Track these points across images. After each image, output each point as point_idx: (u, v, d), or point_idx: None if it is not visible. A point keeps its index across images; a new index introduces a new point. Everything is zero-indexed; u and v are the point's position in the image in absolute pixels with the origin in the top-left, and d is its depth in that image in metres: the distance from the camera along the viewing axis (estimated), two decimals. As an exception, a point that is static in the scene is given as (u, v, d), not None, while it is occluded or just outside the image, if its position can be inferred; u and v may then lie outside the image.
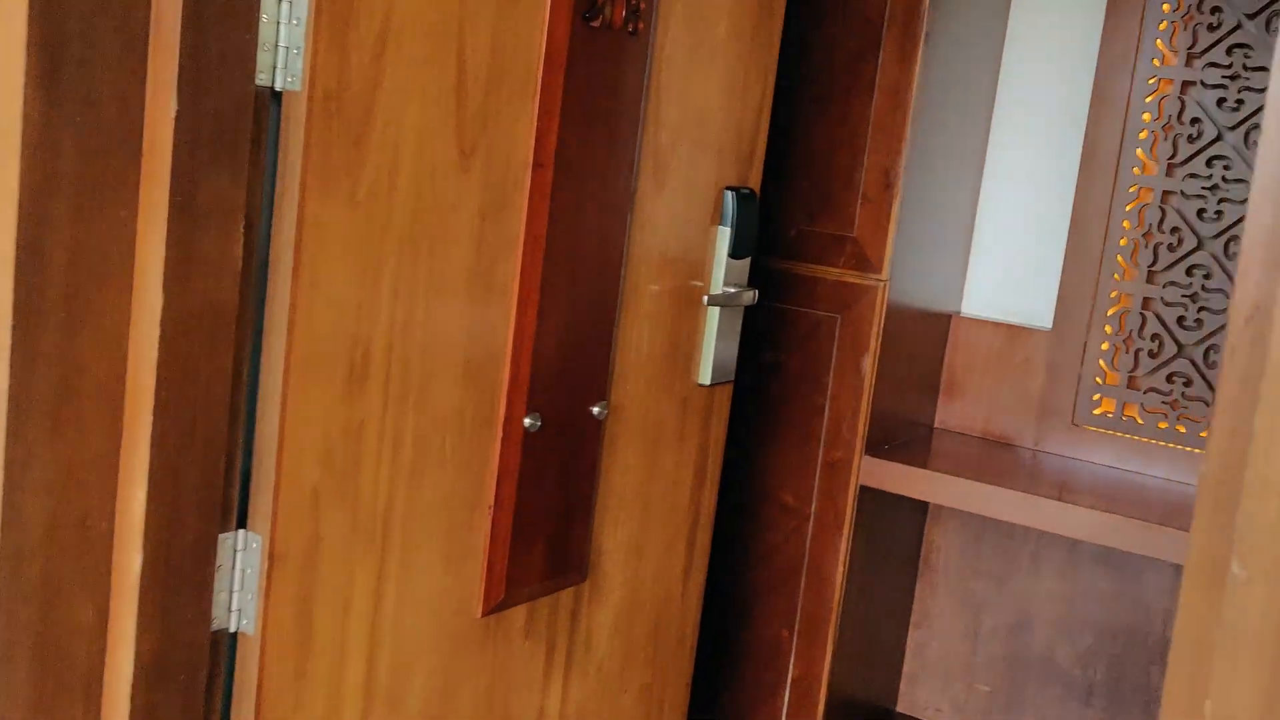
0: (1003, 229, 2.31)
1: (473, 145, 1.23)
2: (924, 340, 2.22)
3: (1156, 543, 1.86)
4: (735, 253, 1.61)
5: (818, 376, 2.04)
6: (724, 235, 1.60)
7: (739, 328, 1.71)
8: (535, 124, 1.29)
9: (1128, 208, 2.15)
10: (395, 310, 1.20)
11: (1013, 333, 2.27)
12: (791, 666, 2.13)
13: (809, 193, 2.02)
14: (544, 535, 1.44)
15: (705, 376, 1.64)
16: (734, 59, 1.58)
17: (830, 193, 2.01)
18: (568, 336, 1.40)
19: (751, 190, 1.64)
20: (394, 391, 1.22)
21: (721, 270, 1.61)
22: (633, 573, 1.64)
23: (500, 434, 1.36)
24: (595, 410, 1.45)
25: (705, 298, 1.59)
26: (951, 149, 2.16)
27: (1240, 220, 2.06)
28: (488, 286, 1.30)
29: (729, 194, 1.61)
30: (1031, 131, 2.26)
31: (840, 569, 2.06)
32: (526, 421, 1.36)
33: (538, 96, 1.29)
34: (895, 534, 2.28)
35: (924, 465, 2.05)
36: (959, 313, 2.34)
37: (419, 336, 1.23)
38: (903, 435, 2.19)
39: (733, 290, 1.61)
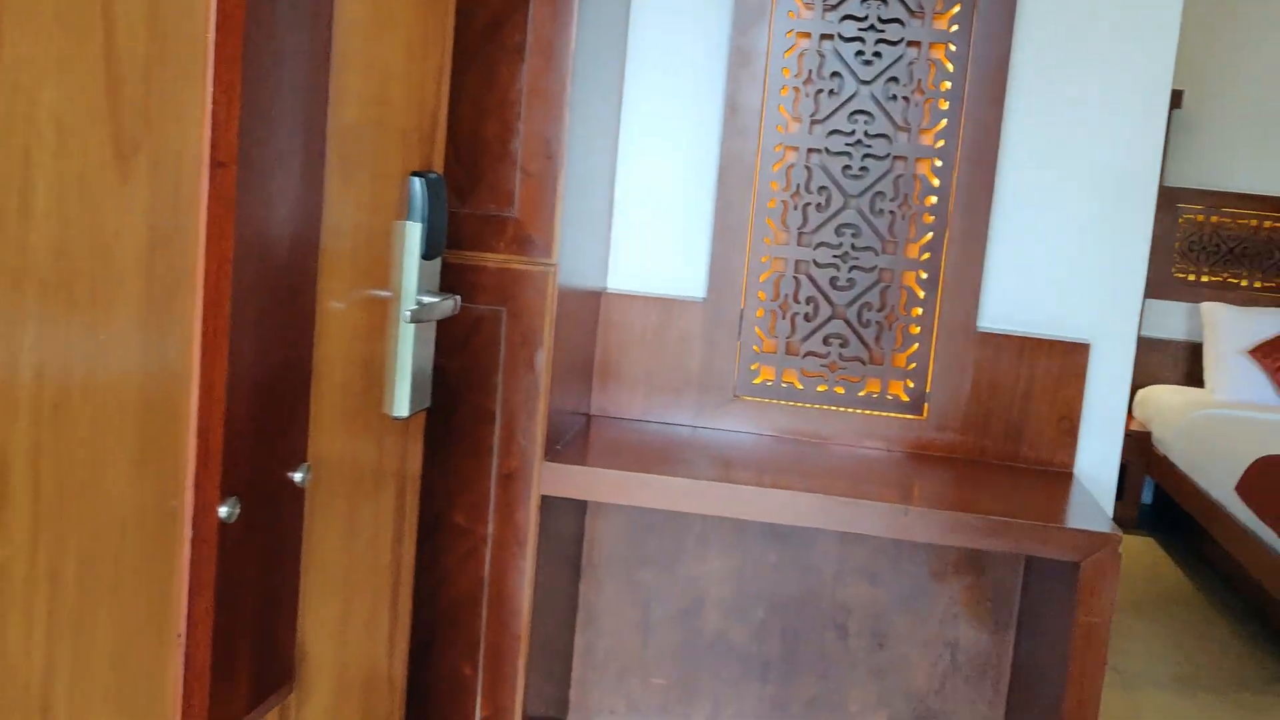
0: (646, 197, 2.16)
1: (134, 143, 0.86)
2: (581, 324, 2.03)
3: (827, 513, 1.81)
4: (428, 252, 1.32)
5: (486, 379, 1.79)
6: (414, 232, 1.31)
7: (434, 341, 1.42)
8: (210, 107, 0.93)
9: (774, 168, 2.08)
10: (41, 395, 0.81)
11: (666, 306, 2.14)
12: (479, 707, 1.88)
13: (457, 169, 1.75)
14: (248, 652, 1.10)
15: (402, 407, 1.34)
16: (413, 17, 1.28)
17: (483, 168, 1.75)
18: (264, 387, 1.05)
19: (439, 175, 1.35)
20: (46, 509, 0.84)
21: (414, 276, 1.32)
22: (338, 660, 1.33)
23: (189, 533, 1.00)
24: (297, 477, 1.12)
25: (406, 313, 1.29)
26: (599, 114, 1.97)
27: (885, 176, 2.06)
28: (162, 337, 0.93)
29: (417, 181, 1.32)
30: (669, 91, 2.13)
31: (526, 592, 1.84)
32: (222, 511, 1.01)
33: (211, 69, 0.93)
34: (562, 537, 2.09)
35: (584, 461, 1.87)
36: (607, 289, 2.18)
37: (78, 423, 0.85)
38: (569, 431, 2.00)
39: (431, 300, 1.32)
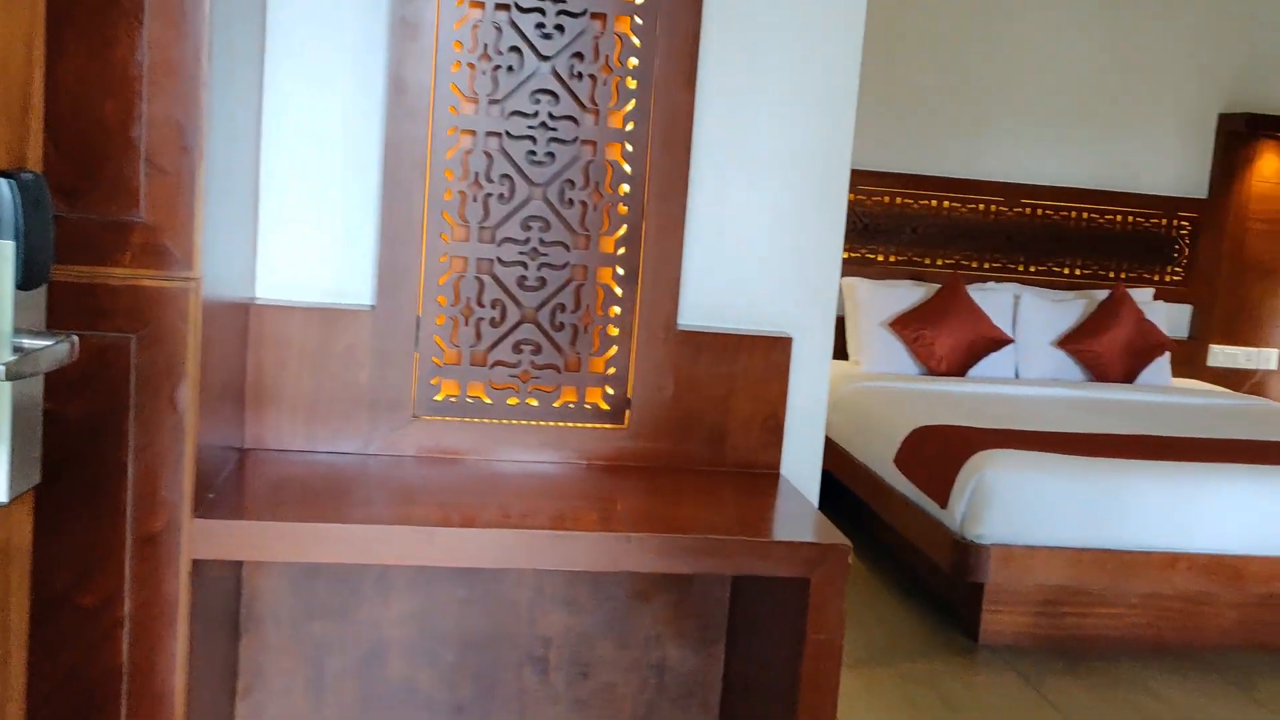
0: (297, 190, 1.87)
1: None
2: (229, 344, 1.72)
3: (536, 551, 1.61)
4: (27, 279, 1.00)
5: (114, 425, 1.45)
6: (4, 254, 0.98)
7: (41, 394, 1.09)
8: None
9: (448, 155, 1.84)
10: None
11: (328, 317, 1.86)
12: (125, 821, 1.55)
13: (61, 163, 1.40)
14: None
15: (1, 490, 1.01)
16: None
17: (97, 161, 1.41)
18: None
19: (37, 174, 1.03)
20: None
21: (7, 313, 0.99)
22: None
23: None
24: None
25: None
26: (239, 93, 1.66)
27: (574, 162, 1.87)
28: None
29: (3, 184, 0.99)
30: (321, 67, 1.84)
31: (179, 677, 1.53)
32: None
33: None
34: (217, 597, 1.77)
35: (242, 513, 1.58)
36: (255, 300, 1.86)
37: None
38: (220, 473, 1.68)
39: (37, 344, 1.00)
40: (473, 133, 1.85)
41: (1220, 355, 5.95)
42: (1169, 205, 5.81)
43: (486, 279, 1.89)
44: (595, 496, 1.82)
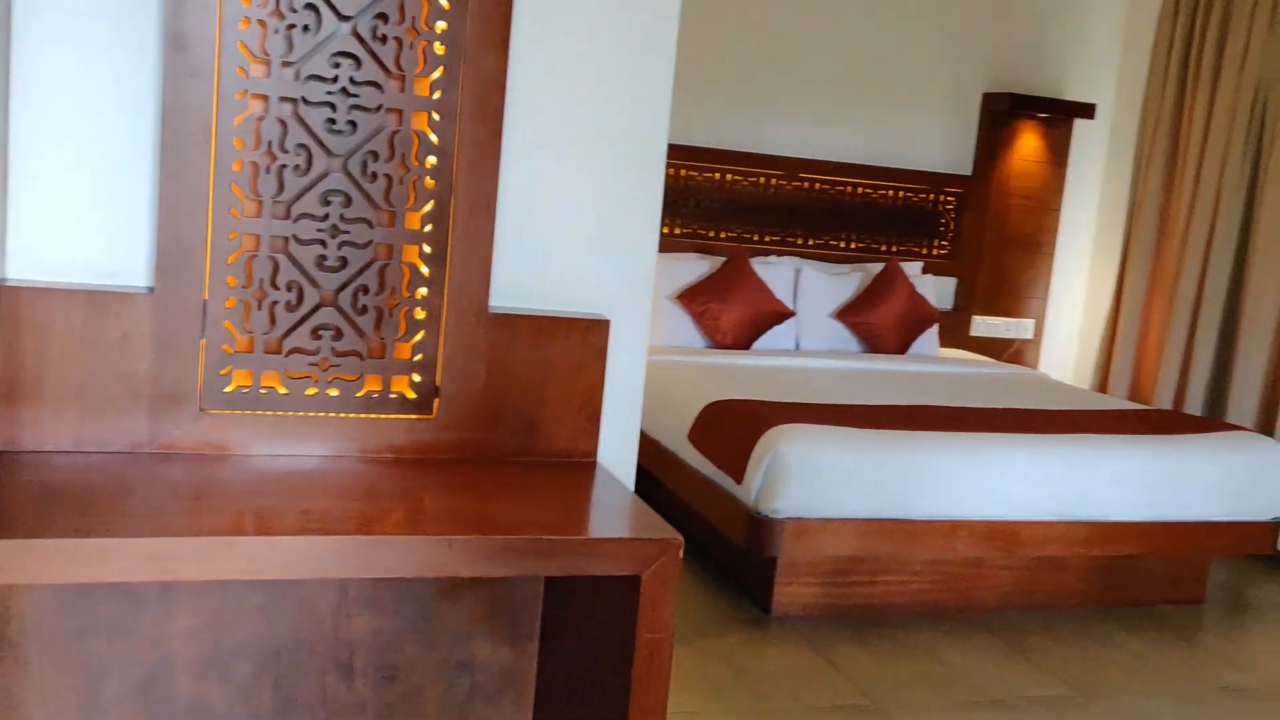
0: (55, 157, 1.65)
1: None
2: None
3: (348, 558, 1.49)
4: None
5: None
6: None
7: None
8: None
9: (237, 121, 1.67)
10: None
11: (97, 300, 1.66)
12: None
13: None
14: None
15: None
16: None
17: None
18: None
19: None
20: None
21: None
22: None
23: None
24: None
25: None
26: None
27: (379, 132, 1.72)
28: None
29: None
30: (82, 16, 1.63)
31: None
32: None
33: None
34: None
35: None
36: (6, 281, 1.65)
37: None
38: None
39: None
40: (265, 98, 1.68)
41: (982, 325, 6.24)
42: (936, 181, 6.03)
43: (281, 258, 1.72)
44: (405, 494, 1.70)
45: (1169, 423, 4.34)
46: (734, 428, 3.74)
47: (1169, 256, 5.67)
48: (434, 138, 1.75)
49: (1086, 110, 6.06)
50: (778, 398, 4.09)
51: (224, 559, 1.42)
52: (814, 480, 3.52)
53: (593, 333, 1.89)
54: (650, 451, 4.38)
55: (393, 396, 1.81)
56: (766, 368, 4.82)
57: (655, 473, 4.33)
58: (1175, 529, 4.02)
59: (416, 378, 1.81)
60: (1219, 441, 4.17)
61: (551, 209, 1.88)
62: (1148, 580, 4.28)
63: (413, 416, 1.82)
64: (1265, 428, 5.03)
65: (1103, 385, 6.00)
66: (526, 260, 1.88)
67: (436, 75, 1.74)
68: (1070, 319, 6.54)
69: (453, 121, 1.75)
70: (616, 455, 1.97)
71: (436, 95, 1.74)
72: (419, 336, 1.80)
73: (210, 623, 1.84)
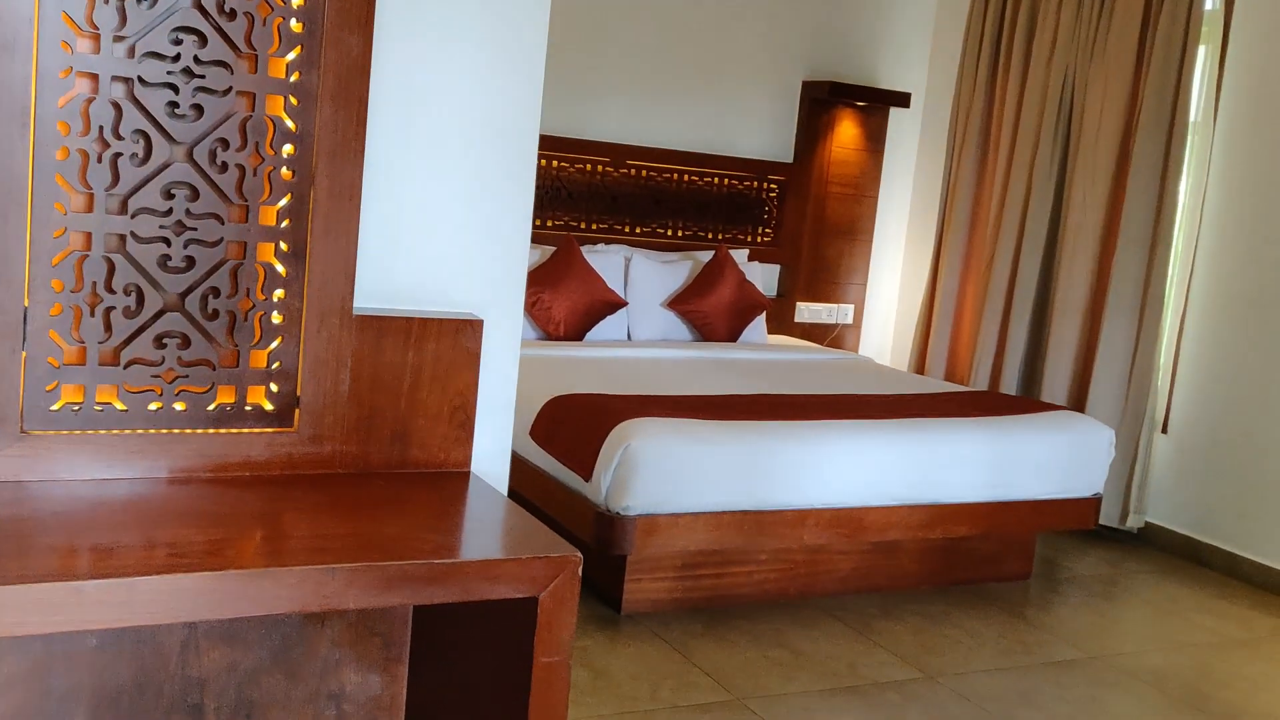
0: None
1: None
2: None
3: (211, 597, 1.34)
4: None
5: None
6: None
7: None
8: None
9: (61, 103, 1.48)
10: None
11: (-100, 310, 1.44)
12: None
13: None
14: None
15: None
16: None
17: None
18: None
19: None
20: None
21: None
22: None
23: None
24: None
25: None
26: None
27: (229, 118, 1.56)
28: None
29: None
30: (-125, -22, 1.41)
31: None
32: None
33: None
34: None
35: None
36: None
37: None
38: None
39: None
40: (94, 76, 1.49)
41: (806, 311, 6.32)
42: (760, 169, 6.06)
43: (118, 258, 1.54)
44: (268, 517, 1.54)
45: (998, 404, 4.46)
46: (579, 424, 3.65)
47: (982, 242, 5.86)
48: (291, 124, 1.60)
49: (902, 99, 6.20)
50: (618, 390, 4.02)
51: (58, 609, 1.24)
52: (665, 475, 3.46)
53: (464, 334, 1.77)
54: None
55: (248, 409, 1.64)
56: (603, 359, 4.74)
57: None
58: (1008, 508, 4.13)
59: (274, 387, 1.66)
60: (1045, 421, 4.31)
61: (420, 202, 1.74)
62: (978, 559, 4.39)
63: (271, 430, 1.66)
64: (1077, 406, 5.25)
65: (920, 367, 6.16)
66: (393, 257, 1.74)
67: (293, 56, 1.58)
68: (887, 304, 6.70)
69: (312, 106, 1.60)
70: (491, 464, 1.85)
71: (293, 78, 1.59)
72: (276, 343, 1.65)
73: (36, 670, 1.64)
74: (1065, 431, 4.28)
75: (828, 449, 3.75)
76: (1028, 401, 4.64)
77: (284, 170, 1.60)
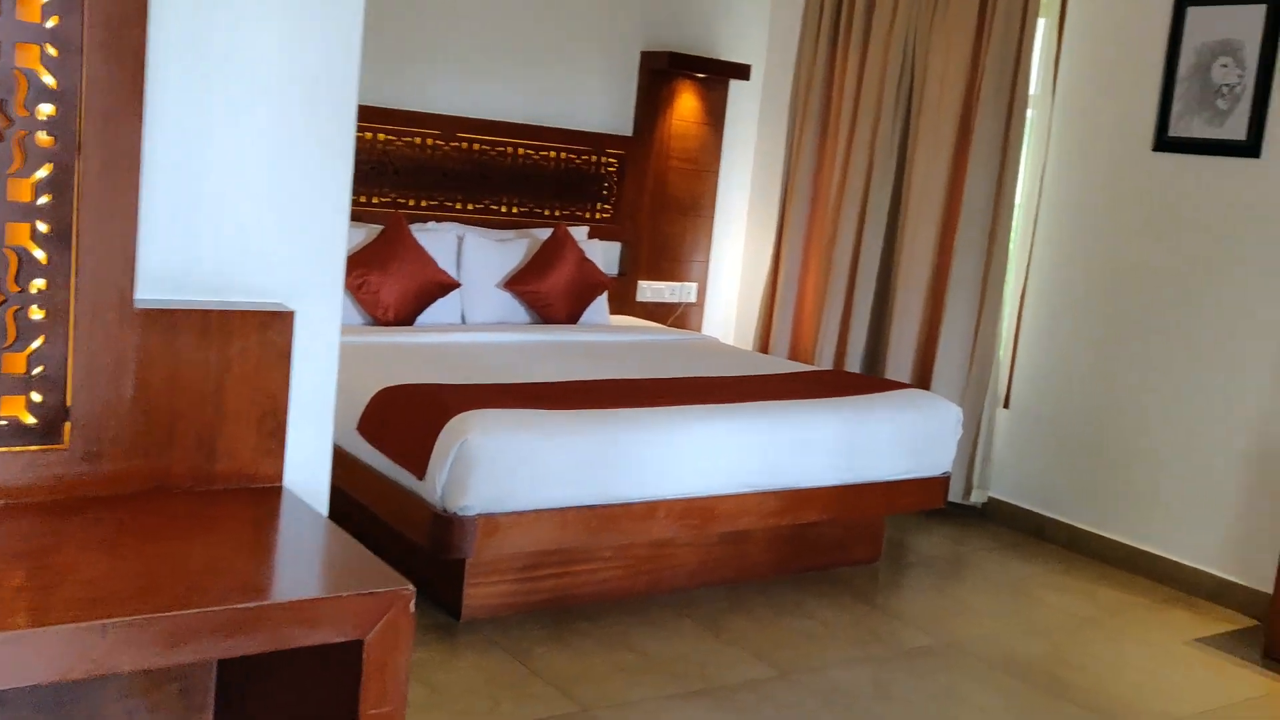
0: None
1: None
2: None
3: None
4: None
5: None
6: None
7: None
8: None
9: None
10: None
11: None
12: None
13: None
14: None
15: None
16: None
17: None
18: None
19: None
20: None
21: None
22: None
23: None
24: None
25: None
26: None
27: (-32, 70, 1.29)
28: None
29: None
30: None
31: None
32: None
33: None
34: None
35: None
36: None
37: None
38: None
39: None
40: None
41: (648, 291, 6.18)
42: (598, 142, 5.88)
43: None
44: (30, 556, 1.29)
45: (846, 384, 4.39)
46: (412, 417, 3.41)
47: (824, 218, 5.81)
48: (49, 79, 1.33)
49: (742, 71, 6.09)
50: (453, 378, 3.79)
51: None
52: (505, 471, 3.25)
53: (272, 328, 1.54)
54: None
55: (3, 424, 1.38)
56: (436, 344, 4.50)
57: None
58: (860, 491, 4.06)
59: (37, 397, 1.40)
60: (894, 400, 4.25)
61: (215, 173, 1.50)
62: (827, 544, 4.32)
63: (35, 448, 1.40)
64: (922, 384, 5.24)
65: (764, 346, 6.09)
66: (184, 238, 1.49)
67: (49, -5, 1.32)
68: (730, 281, 6.61)
69: (76, 59, 1.34)
70: (309, 476, 1.63)
71: (51, 23, 1.32)
72: (37, 343, 1.39)
73: None
74: (913, 410, 4.23)
75: (676, 436, 3.60)
76: (875, 381, 4.58)
77: (41, 135, 1.34)
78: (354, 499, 3.59)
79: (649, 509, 3.55)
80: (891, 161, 5.47)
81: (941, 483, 4.31)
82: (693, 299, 6.37)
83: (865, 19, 5.61)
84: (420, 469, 3.28)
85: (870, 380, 4.58)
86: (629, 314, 6.06)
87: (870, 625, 3.89)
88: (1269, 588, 4.09)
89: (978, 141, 5.04)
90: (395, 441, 3.42)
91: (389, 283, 4.73)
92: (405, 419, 3.43)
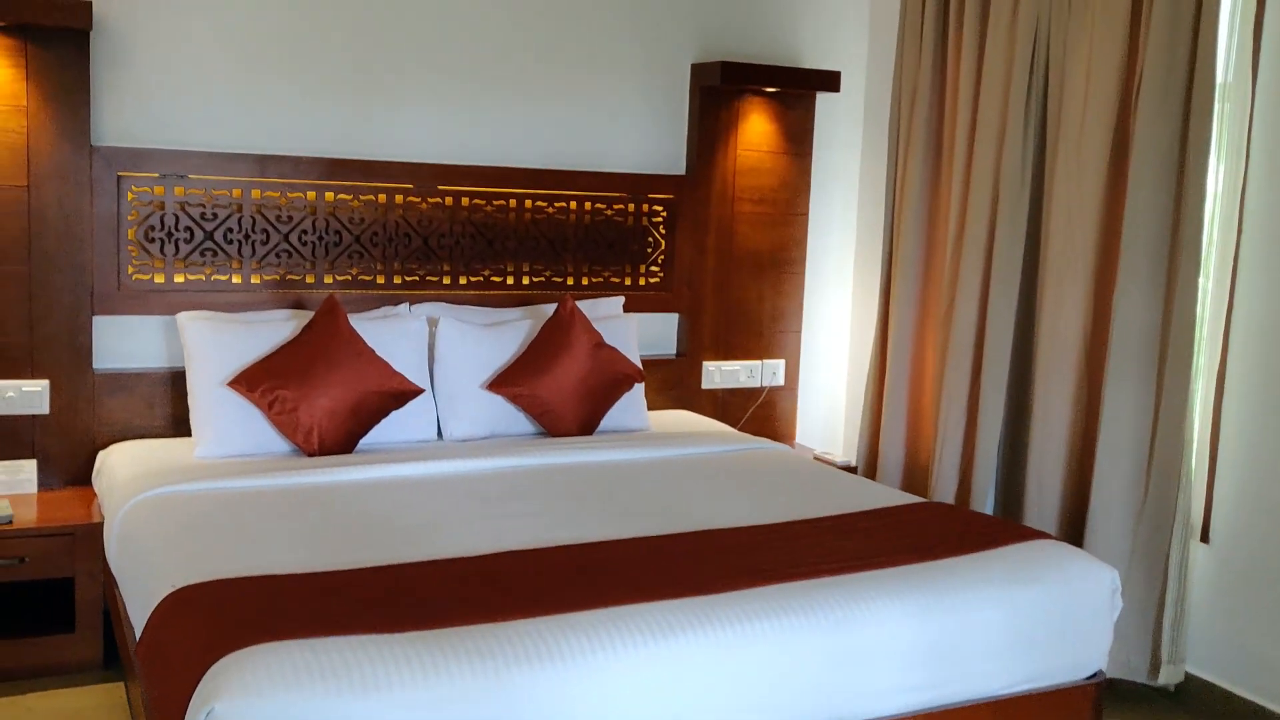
0: None
1: None
2: None
3: None
4: None
5: None
6: None
7: None
8: None
9: None
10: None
11: None
12: None
13: None
14: None
15: None
16: None
17: None
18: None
19: None
20: None
21: None
22: None
23: None
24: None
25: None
26: None
27: None
28: None
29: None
30: None
31: None
32: None
33: None
34: None
35: None
36: None
37: None
38: None
39: None
40: None
41: (717, 374, 4.97)
42: (638, 186, 4.72)
43: None
44: None
45: (940, 538, 3.06)
46: (184, 649, 2.28)
47: (939, 275, 4.50)
48: None
49: (829, 80, 4.85)
50: (321, 555, 2.66)
51: None
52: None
53: None
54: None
55: None
56: (379, 483, 3.39)
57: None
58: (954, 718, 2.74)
59: None
60: (1010, 562, 2.92)
61: None
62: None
63: None
64: (1075, 514, 3.86)
65: (874, 450, 4.79)
66: None
67: None
68: (833, 354, 5.34)
69: None
70: None
71: None
72: None
73: None
74: (1038, 579, 2.89)
75: (623, 669, 2.36)
76: (985, 529, 3.21)
77: None
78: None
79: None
80: (1024, 194, 4.13)
81: (1088, 692, 2.93)
82: (780, 381, 5.11)
83: (981, 5, 4.30)
84: (177, 740, 2.14)
85: (975, 529, 3.19)
86: (694, 407, 4.86)
87: None
88: None
89: (1140, 157, 3.66)
90: (157, 691, 2.30)
91: (310, 396, 3.65)
92: (174, 651, 2.30)
